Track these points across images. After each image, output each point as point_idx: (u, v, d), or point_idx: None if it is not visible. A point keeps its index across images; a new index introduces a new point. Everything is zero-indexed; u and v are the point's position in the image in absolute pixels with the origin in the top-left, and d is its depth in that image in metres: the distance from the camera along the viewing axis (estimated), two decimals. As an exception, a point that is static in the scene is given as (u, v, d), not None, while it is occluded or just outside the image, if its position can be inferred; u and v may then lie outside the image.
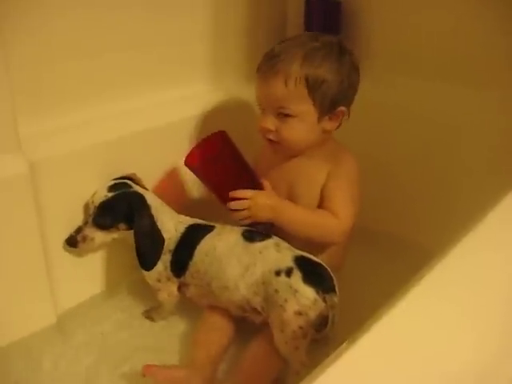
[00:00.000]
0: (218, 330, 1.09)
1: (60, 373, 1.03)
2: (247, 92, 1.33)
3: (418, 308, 0.62)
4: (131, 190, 1.11)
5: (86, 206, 1.12)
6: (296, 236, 1.08)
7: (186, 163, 1.07)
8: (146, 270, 1.09)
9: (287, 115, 1.05)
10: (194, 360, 1.03)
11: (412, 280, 0.67)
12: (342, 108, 1.07)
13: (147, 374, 0.97)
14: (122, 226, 1.09)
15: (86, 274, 1.17)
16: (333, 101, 1.05)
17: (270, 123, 1.07)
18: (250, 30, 1.47)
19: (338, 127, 1.10)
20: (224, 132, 1.09)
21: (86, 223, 1.09)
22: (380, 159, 1.36)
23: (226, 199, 1.08)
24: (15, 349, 1.05)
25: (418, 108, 1.35)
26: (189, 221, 1.14)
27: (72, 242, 1.09)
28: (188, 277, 1.11)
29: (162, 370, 0.98)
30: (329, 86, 1.04)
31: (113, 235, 1.11)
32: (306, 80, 1.02)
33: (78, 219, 1.11)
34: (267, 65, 1.06)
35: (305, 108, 1.04)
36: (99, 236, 1.09)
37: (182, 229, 1.12)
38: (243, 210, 1.06)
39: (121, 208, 1.08)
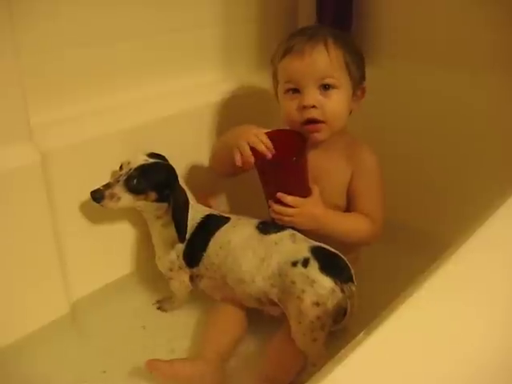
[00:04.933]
0: (231, 321, 1.08)
1: (74, 363, 1.03)
2: (259, 80, 1.33)
3: (433, 299, 0.61)
4: (169, 162, 1.11)
5: (115, 171, 1.10)
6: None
7: (256, 158, 1.03)
8: (180, 241, 1.08)
9: (330, 87, 1.04)
10: (203, 353, 1.02)
11: (428, 271, 0.66)
12: (364, 85, 1.10)
13: (152, 369, 0.95)
14: (153, 195, 1.07)
15: (99, 264, 1.16)
16: (360, 75, 1.09)
17: (314, 99, 1.04)
18: (262, 19, 1.45)
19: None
20: (303, 136, 1.05)
21: (117, 181, 1.06)
22: (396, 150, 1.35)
23: (272, 196, 1.04)
24: (30, 340, 1.04)
25: (432, 97, 1.34)
26: (205, 211, 1.13)
27: (98, 196, 1.04)
28: (202, 268, 1.10)
29: (167, 365, 0.96)
30: (358, 60, 1.08)
31: (138, 203, 1.08)
32: (343, 51, 1.05)
33: (89, 208, 1.10)
34: (303, 42, 1.05)
35: (345, 78, 1.06)
36: (126, 198, 1.06)
37: (198, 218, 1.11)
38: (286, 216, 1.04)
39: (159, 176, 1.07)
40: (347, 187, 1.11)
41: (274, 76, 1.13)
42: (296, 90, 1.06)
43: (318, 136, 1.07)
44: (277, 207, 1.03)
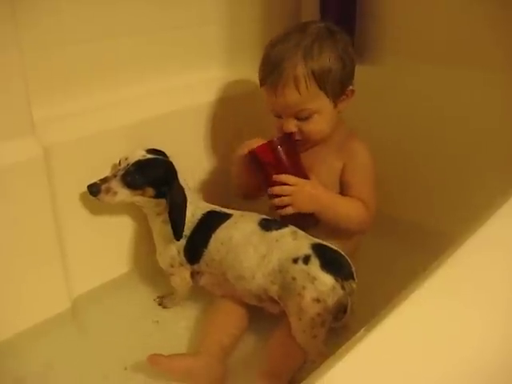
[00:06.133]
0: (231, 317, 1.08)
1: (74, 359, 1.03)
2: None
3: (433, 297, 0.61)
4: (169, 159, 1.11)
5: (115, 165, 1.11)
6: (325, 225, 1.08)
7: (255, 152, 1.07)
8: (176, 239, 1.08)
9: (306, 117, 1.06)
10: (203, 348, 1.02)
11: (430, 268, 0.66)
12: (351, 87, 1.09)
13: (153, 363, 0.96)
14: (150, 191, 1.08)
15: (101, 259, 1.16)
16: (342, 84, 1.07)
17: (292, 126, 1.08)
18: (265, 15, 1.45)
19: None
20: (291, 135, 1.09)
21: (114, 176, 1.07)
22: (398, 148, 1.35)
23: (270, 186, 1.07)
24: (30, 334, 1.04)
25: (434, 94, 1.33)
26: (207, 207, 1.13)
27: (94, 190, 1.05)
28: (202, 265, 1.10)
29: (168, 360, 0.97)
30: (335, 73, 1.05)
31: (136, 198, 1.08)
32: (314, 77, 1.03)
33: (91, 203, 1.10)
34: (272, 76, 1.05)
35: (321, 102, 1.06)
36: (123, 193, 1.06)
37: (199, 215, 1.11)
38: (285, 196, 1.05)
39: (156, 172, 1.08)
40: (339, 178, 1.13)
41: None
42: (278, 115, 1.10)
43: (302, 147, 1.11)
44: (277, 187, 1.05)
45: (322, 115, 1.07)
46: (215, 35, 1.36)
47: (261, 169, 1.08)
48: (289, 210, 1.05)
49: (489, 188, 0.87)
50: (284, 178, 1.05)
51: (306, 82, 1.03)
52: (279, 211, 1.07)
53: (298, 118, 1.07)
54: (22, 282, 1.02)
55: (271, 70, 1.05)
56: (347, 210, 1.09)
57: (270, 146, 1.06)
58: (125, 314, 1.15)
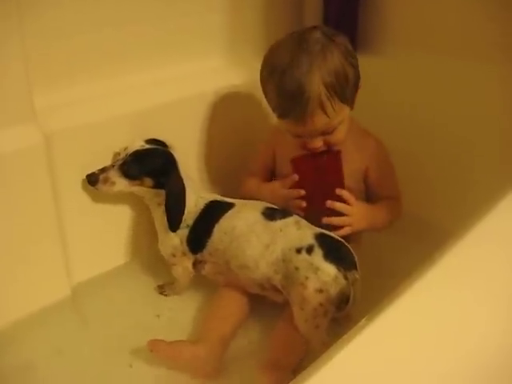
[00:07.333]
0: (233, 306, 1.08)
1: (73, 347, 1.03)
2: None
3: (435, 288, 0.61)
4: (168, 149, 1.10)
5: (116, 154, 1.11)
6: None
7: (293, 165, 1.08)
8: (172, 230, 1.08)
9: (333, 130, 1.05)
10: (203, 335, 1.02)
11: (430, 260, 0.66)
12: (359, 84, 1.07)
13: (153, 349, 0.96)
14: (148, 181, 1.08)
15: (101, 247, 1.16)
16: (356, 86, 1.05)
17: (320, 143, 1.06)
18: (268, 4, 1.43)
19: None
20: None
21: (112, 166, 1.07)
22: (401, 140, 1.32)
23: (312, 203, 1.07)
24: (29, 321, 1.04)
25: (436, 85, 1.32)
26: (209, 197, 1.13)
27: (92, 180, 1.06)
28: (205, 254, 1.09)
29: (168, 346, 0.97)
30: (350, 79, 1.03)
31: (134, 188, 1.09)
32: (336, 94, 1.00)
33: (92, 191, 1.10)
34: (296, 110, 1.00)
35: (344, 113, 1.05)
36: (121, 183, 1.07)
37: (201, 205, 1.10)
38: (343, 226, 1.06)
39: (154, 162, 1.08)
40: (364, 179, 1.15)
41: (264, 95, 1.09)
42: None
43: None
44: (340, 204, 1.05)
45: (344, 123, 1.06)
46: (218, 24, 1.35)
47: (301, 179, 1.07)
48: (346, 231, 1.05)
49: (491, 182, 0.87)
50: (347, 195, 1.05)
51: (331, 103, 1.00)
52: (334, 231, 1.04)
53: (324, 134, 1.05)
54: (22, 269, 1.02)
55: (293, 104, 1.00)
56: (389, 214, 1.13)
57: (316, 161, 1.06)
58: (125, 302, 1.15)
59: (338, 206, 1.05)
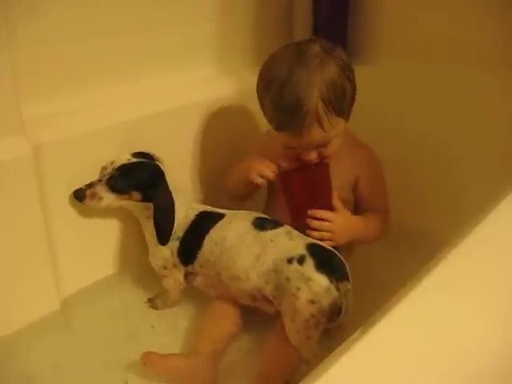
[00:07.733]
0: (225, 318, 1.07)
1: (63, 360, 1.02)
2: (254, 76, 1.31)
3: (429, 298, 0.61)
4: (155, 162, 1.10)
5: (103, 168, 1.10)
6: None
7: (281, 177, 1.08)
8: (161, 244, 1.08)
9: (328, 143, 1.05)
10: (197, 348, 1.01)
11: (425, 270, 0.66)
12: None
13: (146, 362, 0.95)
14: (136, 195, 1.07)
15: (91, 259, 1.15)
16: (353, 99, 1.05)
17: (314, 155, 1.06)
18: (258, 14, 1.43)
19: None
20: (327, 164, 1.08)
21: (99, 181, 1.06)
22: (394, 149, 1.33)
23: (299, 215, 1.06)
24: (19, 336, 1.03)
25: (428, 93, 1.34)
26: (200, 208, 1.12)
27: (79, 196, 1.05)
28: (196, 266, 1.09)
29: (161, 359, 0.96)
30: (348, 93, 1.03)
31: (122, 202, 1.08)
32: (334, 109, 1.00)
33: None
34: (293, 124, 1.00)
35: (340, 126, 1.04)
36: (108, 197, 1.06)
37: (192, 216, 1.10)
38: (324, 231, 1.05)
39: (141, 176, 1.07)
40: (353, 189, 1.15)
41: (261, 108, 1.09)
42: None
43: None
44: (317, 222, 1.04)
45: (339, 136, 1.06)
46: (208, 33, 1.35)
47: (290, 192, 1.07)
48: (328, 244, 1.05)
49: (483, 191, 0.87)
50: (323, 214, 1.05)
51: (328, 117, 0.99)
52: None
53: (319, 147, 1.05)
54: (10, 282, 1.00)
55: (290, 117, 1.00)
56: (376, 228, 1.13)
57: (304, 174, 1.06)
58: (114, 315, 1.13)
59: (316, 224, 1.05)
